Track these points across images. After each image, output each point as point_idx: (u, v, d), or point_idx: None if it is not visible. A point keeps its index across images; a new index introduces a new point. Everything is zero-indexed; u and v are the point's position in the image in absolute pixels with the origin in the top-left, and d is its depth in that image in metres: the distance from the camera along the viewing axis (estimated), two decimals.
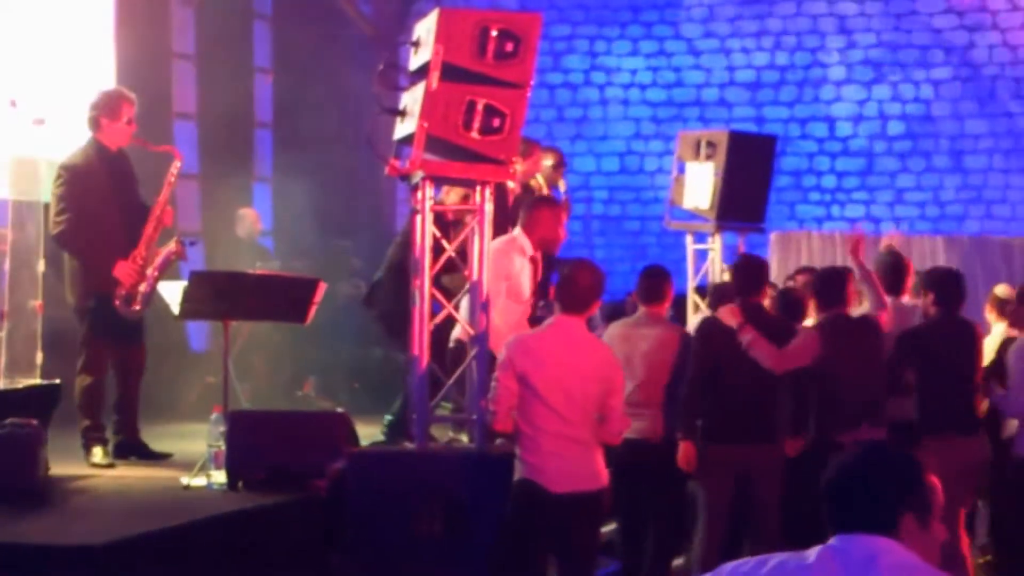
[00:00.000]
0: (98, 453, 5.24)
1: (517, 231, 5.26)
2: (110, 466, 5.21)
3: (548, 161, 6.61)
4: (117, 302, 5.23)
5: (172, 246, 5.33)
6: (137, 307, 5.26)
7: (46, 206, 5.76)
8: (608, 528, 5.35)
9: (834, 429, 5.01)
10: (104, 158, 5.37)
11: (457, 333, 5.16)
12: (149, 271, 5.27)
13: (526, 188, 6.25)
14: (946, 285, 5.24)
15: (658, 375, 5.04)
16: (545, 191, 6.40)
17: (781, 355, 4.90)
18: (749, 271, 5.17)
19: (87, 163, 5.34)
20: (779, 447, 4.96)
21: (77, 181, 5.28)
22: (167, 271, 5.39)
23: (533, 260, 5.27)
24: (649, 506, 5.07)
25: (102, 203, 5.30)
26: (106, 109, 5.37)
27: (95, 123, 5.37)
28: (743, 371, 4.89)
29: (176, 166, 5.51)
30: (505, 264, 5.02)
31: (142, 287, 5.25)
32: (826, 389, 5.09)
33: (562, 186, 6.72)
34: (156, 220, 5.36)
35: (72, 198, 5.24)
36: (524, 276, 5.19)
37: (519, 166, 6.10)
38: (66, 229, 5.23)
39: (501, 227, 5.38)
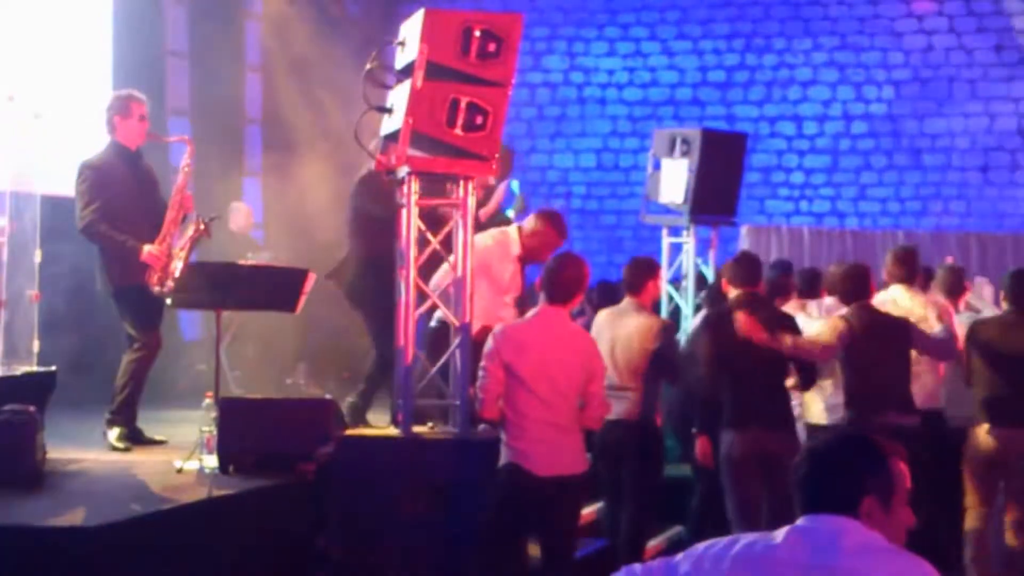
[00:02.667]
0: (115, 435, 5.21)
1: (513, 227, 5.25)
2: (127, 450, 5.16)
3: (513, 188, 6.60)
4: (153, 285, 5.19)
5: (196, 225, 5.28)
6: (169, 287, 5.20)
7: (43, 198, 5.69)
8: (593, 508, 5.36)
9: (863, 414, 5.05)
10: (124, 157, 5.34)
11: (440, 314, 5.14)
12: (177, 251, 5.23)
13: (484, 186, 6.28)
14: (1016, 284, 5.32)
15: (638, 360, 5.06)
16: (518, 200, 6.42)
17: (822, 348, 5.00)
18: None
19: (108, 161, 5.31)
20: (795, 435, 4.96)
21: (100, 177, 5.25)
22: (194, 250, 5.34)
23: (519, 260, 5.26)
24: (627, 487, 5.07)
25: (125, 198, 5.26)
26: (118, 109, 5.35)
27: (111, 125, 5.35)
28: (754, 359, 4.91)
29: (189, 152, 5.47)
30: (486, 254, 5.01)
31: (173, 266, 5.20)
32: (853, 376, 5.15)
33: (515, 186, 6.68)
34: (176, 206, 5.33)
35: (96, 192, 5.21)
36: (504, 268, 5.16)
37: None
38: (93, 220, 5.19)
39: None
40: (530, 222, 5.33)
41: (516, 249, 5.23)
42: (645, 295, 5.19)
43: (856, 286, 5.26)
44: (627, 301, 5.20)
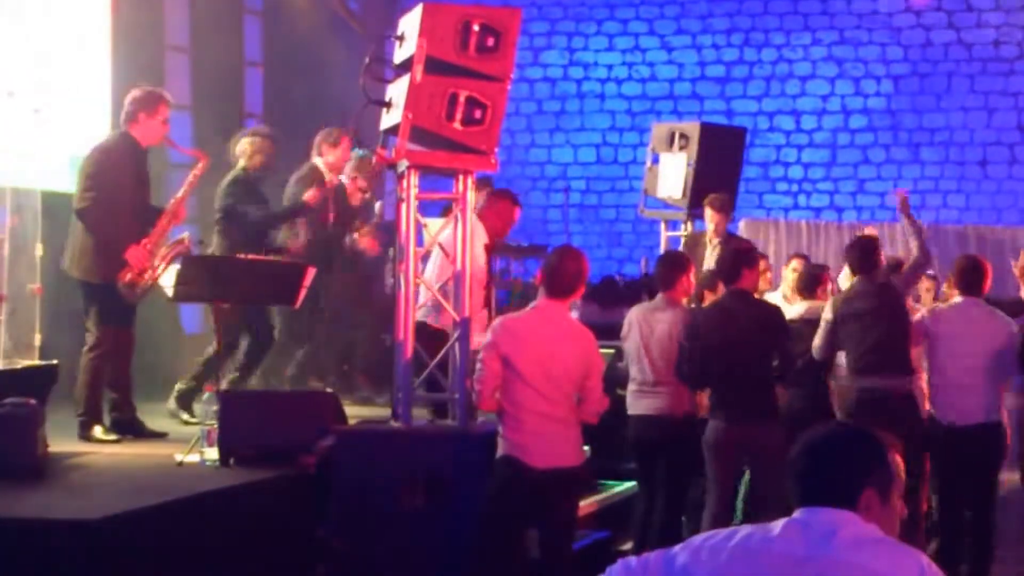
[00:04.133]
0: (99, 431, 5.20)
1: (472, 218, 5.28)
2: (116, 441, 5.16)
3: (359, 152, 6.57)
4: (121, 284, 5.18)
5: (182, 241, 5.28)
6: (138, 292, 5.20)
7: (43, 194, 5.69)
8: (596, 498, 5.39)
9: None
10: (133, 152, 5.32)
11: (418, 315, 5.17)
12: (156, 260, 5.22)
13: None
14: None
15: (671, 355, 5.09)
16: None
17: None
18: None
19: (117, 151, 5.29)
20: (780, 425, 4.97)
21: (106, 164, 5.24)
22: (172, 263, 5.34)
23: (487, 248, 5.29)
24: (665, 477, 5.15)
25: (123, 192, 5.25)
26: (145, 105, 5.32)
27: (132, 117, 5.31)
28: (742, 352, 4.92)
29: (200, 167, 5.46)
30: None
31: (147, 274, 5.19)
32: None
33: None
34: (171, 214, 5.32)
35: (99, 179, 5.19)
36: (477, 259, 5.19)
37: (330, 156, 6.32)
38: (89, 206, 5.18)
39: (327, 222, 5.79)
40: (482, 201, 5.32)
41: (483, 238, 5.24)
42: (679, 290, 5.24)
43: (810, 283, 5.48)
44: (660, 297, 5.25)
